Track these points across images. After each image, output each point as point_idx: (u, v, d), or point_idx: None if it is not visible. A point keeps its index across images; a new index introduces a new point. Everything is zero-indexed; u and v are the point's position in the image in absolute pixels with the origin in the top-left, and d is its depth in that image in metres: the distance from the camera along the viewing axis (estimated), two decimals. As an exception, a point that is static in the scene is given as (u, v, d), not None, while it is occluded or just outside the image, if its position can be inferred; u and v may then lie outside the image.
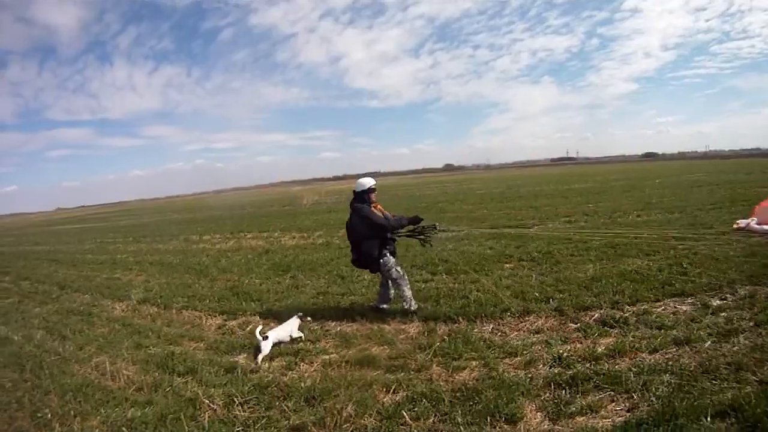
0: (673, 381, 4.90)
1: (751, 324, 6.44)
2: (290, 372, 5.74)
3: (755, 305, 7.10)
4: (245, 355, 6.36)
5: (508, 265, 10.23)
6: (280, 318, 7.45)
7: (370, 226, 7.41)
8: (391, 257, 7.64)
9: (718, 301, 7.41)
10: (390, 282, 7.65)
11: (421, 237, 8.02)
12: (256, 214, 31.07)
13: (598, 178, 30.17)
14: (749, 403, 4.31)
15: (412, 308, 7.51)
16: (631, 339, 6.00)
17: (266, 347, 6.21)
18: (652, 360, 5.43)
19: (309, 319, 7.17)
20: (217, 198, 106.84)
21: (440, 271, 9.85)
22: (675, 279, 8.42)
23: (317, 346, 6.39)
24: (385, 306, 7.84)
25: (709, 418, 4.20)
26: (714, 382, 4.88)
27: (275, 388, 5.36)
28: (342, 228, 12.25)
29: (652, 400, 4.56)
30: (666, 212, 17.63)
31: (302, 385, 5.28)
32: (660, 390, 4.73)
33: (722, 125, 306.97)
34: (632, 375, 5.02)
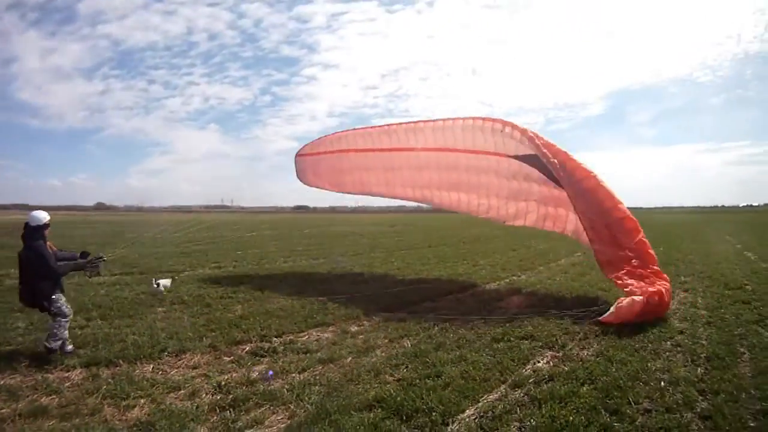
0: (322, 390, 6.24)
1: (386, 341, 8.46)
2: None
3: (389, 328, 9.20)
4: None
5: (160, 309, 10.69)
6: None
7: (45, 269, 7.38)
8: (62, 295, 7.68)
9: (356, 327, 9.37)
10: (53, 318, 7.46)
11: (89, 269, 8.18)
12: None
13: (250, 226, 32.33)
14: (390, 395, 5.95)
15: (67, 349, 7.52)
16: (281, 363, 7.24)
17: None
18: (302, 378, 6.72)
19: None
20: None
21: (95, 316, 9.83)
22: (316, 313, 10.17)
23: None
24: (71, 348, 7.62)
25: (359, 411, 5.58)
26: (358, 386, 6.42)
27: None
28: None
29: (307, 407, 5.74)
30: (311, 258, 20.61)
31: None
32: (312, 398, 5.97)
33: None
34: (286, 391, 6.19)
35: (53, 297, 7.49)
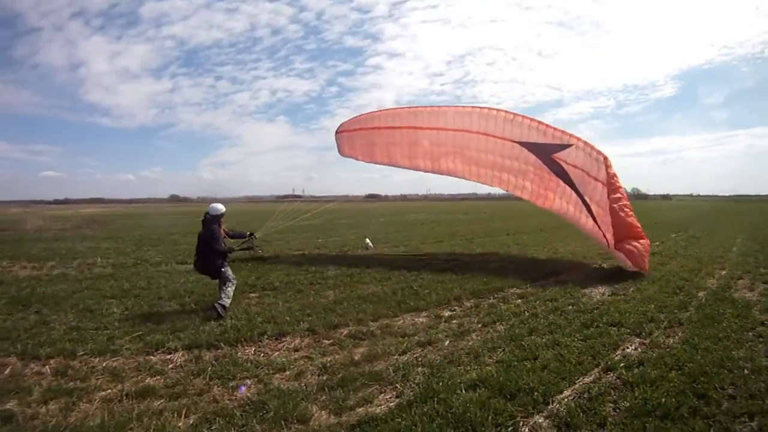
0: (425, 371, 6.10)
1: (479, 326, 8.26)
2: (72, 413, 5.25)
3: (480, 312, 9.05)
4: (17, 401, 5.53)
5: (253, 294, 10.75)
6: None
7: (216, 247, 9.43)
8: (229, 267, 9.63)
9: (448, 312, 9.16)
10: (224, 283, 9.29)
11: (250, 248, 10.85)
12: (-27, 239, 25.82)
13: (326, 215, 32.41)
14: (492, 376, 5.84)
15: (226, 304, 9.03)
16: (381, 346, 7.09)
17: None
18: (404, 359, 6.57)
19: None
20: None
21: (188, 302, 9.95)
22: (408, 298, 10.00)
23: (88, 383, 5.94)
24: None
25: (464, 391, 5.46)
26: (459, 367, 6.27)
27: (66, 433, 5.06)
28: (77, 258, 14.43)
29: (413, 387, 5.63)
30: (392, 246, 20.59)
31: (91, 423, 4.98)
32: (417, 378, 5.87)
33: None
34: (391, 371, 6.06)
35: (222, 269, 9.43)
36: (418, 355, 6.82)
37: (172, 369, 6.39)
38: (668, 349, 6.93)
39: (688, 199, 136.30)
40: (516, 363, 6.37)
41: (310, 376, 6.08)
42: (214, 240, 9.48)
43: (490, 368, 6.19)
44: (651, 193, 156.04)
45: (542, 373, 6.04)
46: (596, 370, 6.29)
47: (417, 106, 15.86)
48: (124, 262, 15.89)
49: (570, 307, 9.39)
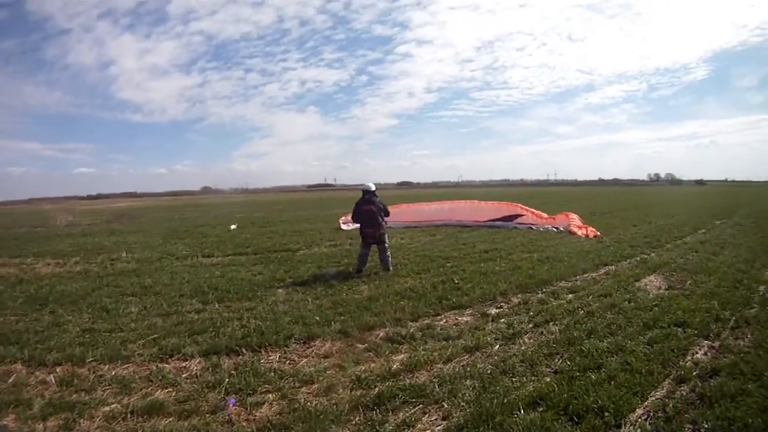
0: (476, 384, 5.21)
1: (531, 326, 7.33)
2: (71, 432, 4.61)
3: (530, 310, 8.15)
4: (14, 416, 4.89)
5: (281, 290, 10.00)
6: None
7: (385, 211, 11.58)
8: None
9: (495, 310, 8.27)
10: (383, 250, 11.56)
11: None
12: (4, 236, 25.57)
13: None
14: (553, 390, 4.92)
15: (390, 268, 11.48)
16: (423, 352, 6.22)
17: None
18: (450, 369, 5.70)
19: None
20: None
21: (212, 299, 9.21)
22: (450, 294, 9.12)
23: (93, 396, 5.25)
24: (363, 268, 11.42)
25: (522, 411, 4.57)
26: (513, 379, 5.39)
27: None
28: (102, 253, 13.95)
29: (462, 406, 4.75)
30: (429, 235, 19.81)
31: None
32: (467, 395, 4.98)
33: (474, 159, 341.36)
34: (436, 385, 5.19)
35: (386, 236, 11.61)
36: (465, 363, 5.94)
37: (186, 379, 5.64)
38: (741, 355, 6.01)
39: (723, 184, 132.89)
40: (578, 374, 5.48)
41: (341, 390, 5.24)
42: (385, 212, 11.58)
43: (549, 380, 5.33)
44: (685, 178, 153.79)
45: (609, 386, 5.15)
46: (668, 381, 5.41)
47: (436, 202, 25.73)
48: (149, 256, 15.26)
49: (627, 303, 8.43)
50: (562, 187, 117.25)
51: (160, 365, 6.07)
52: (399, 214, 22.34)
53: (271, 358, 6.29)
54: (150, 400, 5.08)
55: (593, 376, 5.38)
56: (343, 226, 21.82)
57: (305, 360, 6.20)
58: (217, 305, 8.88)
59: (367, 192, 11.58)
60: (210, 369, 5.90)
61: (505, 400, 4.80)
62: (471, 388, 5.15)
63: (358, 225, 12.14)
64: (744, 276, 10.33)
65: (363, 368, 5.83)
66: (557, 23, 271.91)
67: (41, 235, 25.25)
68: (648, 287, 9.71)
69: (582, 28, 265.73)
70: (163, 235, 21.77)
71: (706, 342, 6.56)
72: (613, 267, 11.91)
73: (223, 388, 5.30)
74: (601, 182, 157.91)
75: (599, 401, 4.76)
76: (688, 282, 9.87)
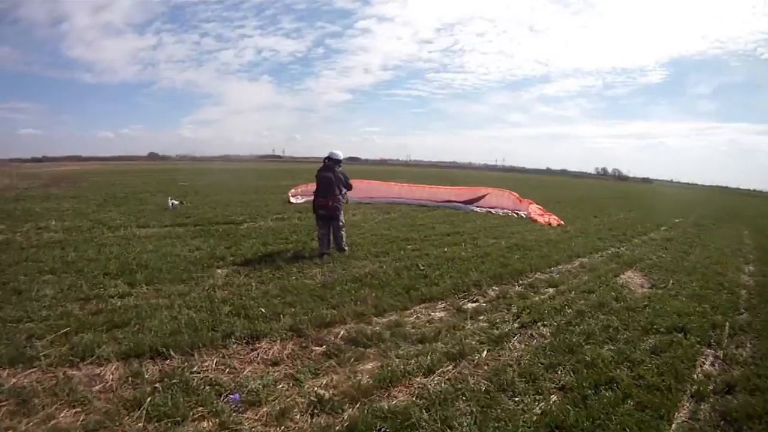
0: (473, 409, 4.16)
1: (517, 326, 6.37)
2: None
3: (511, 305, 7.20)
4: None
5: (220, 271, 8.66)
6: None
7: (345, 184, 10.41)
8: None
9: (471, 304, 7.28)
10: (337, 227, 10.30)
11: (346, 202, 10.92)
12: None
13: (306, 175, 29.72)
14: (566, 415, 4.07)
15: (346, 248, 10.36)
16: (397, 360, 5.09)
17: None
18: (434, 384, 4.61)
19: None
20: None
21: (140, 280, 7.73)
22: (417, 283, 8.07)
23: None
24: (327, 251, 10.06)
25: None
26: (515, 399, 4.42)
27: None
28: (30, 220, 11.72)
29: None
30: (383, 213, 18.37)
31: None
32: (464, 426, 3.90)
33: (425, 140, 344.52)
34: (423, 412, 4.06)
35: (341, 213, 10.35)
36: (451, 376, 4.85)
37: (99, 394, 4.27)
38: (751, 367, 5.52)
39: (668, 184, 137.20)
40: (589, 391, 4.56)
41: (299, 416, 4.02)
42: (345, 184, 10.42)
43: (557, 400, 4.42)
44: (631, 175, 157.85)
45: (628, 406, 4.34)
46: (686, 398, 4.73)
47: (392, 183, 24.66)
48: (79, 225, 13.32)
49: (615, 302, 7.72)
50: (511, 173, 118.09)
51: (69, 372, 4.68)
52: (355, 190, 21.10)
53: (207, 364, 4.94)
54: (52, 426, 3.80)
55: (607, 394, 4.52)
56: (293, 199, 20.57)
57: (249, 368, 4.92)
58: (145, 288, 7.45)
59: (330, 159, 10.37)
60: (129, 379, 4.54)
61: (511, 428, 3.86)
62: (467, 414, 4.09)
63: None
64: (723, 279, 10.02)
65: (324, 381, 4.64)
66: (520, 13, 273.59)
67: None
68: (630, 285, 9.12)
69: (544, 20, 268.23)
70: (99, 202, 19.74)
71: (709, 351, 6.04)
72: (587, 259, 11.29)
73: (143, 411, 3.99)
74: (549, 171, 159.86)
75: (626, 429, 3.95)
76: (671, 281, 9.38)
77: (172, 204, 17.73)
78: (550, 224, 17.14)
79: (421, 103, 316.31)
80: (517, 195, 21.06)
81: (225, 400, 4.19)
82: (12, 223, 13.57)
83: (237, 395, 4.24)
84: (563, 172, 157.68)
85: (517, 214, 19.15)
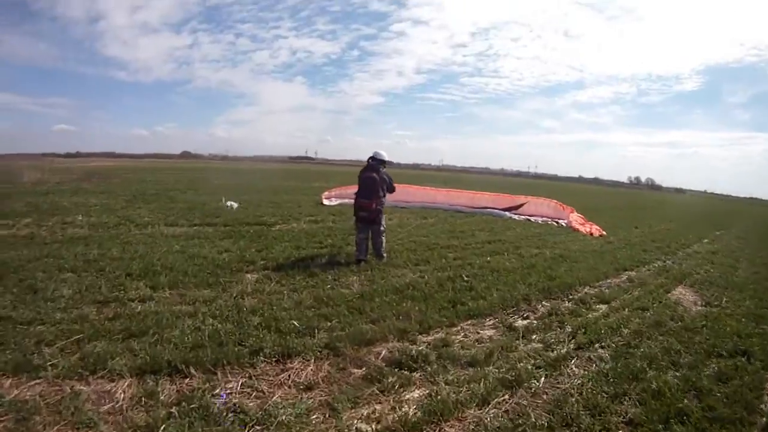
0: None
1: (573, 347, 5.73)
2: None
3: (564, 323, 6.56)
4: None
5: (250, 276, 8.07)
6: None
7: (389, 187, 9.77)
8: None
9: (522, 321, 6.62)
10: (377, 233, 9.67)
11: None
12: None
13: (339, 177, 28.92)
14: None
15: (385, 255, 9.70)
16: (446, 388, 4.43)
17: None
18: (490, 419, 3.97)
19: None
20: None
21: (163, 283, 7.17)
22: (463, 296, 7.39)
23: None
24: (365, 258, 9.42)
25: None
26: None
27: None
28: (57, 214, 11.38)
29: None
30: (420, 218, 18.11)
31: None
32: None
33: (457, 144, 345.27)
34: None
35: (382, 216, 9.78)
36: (507, 407, 4.20)
37: (107, 415, 3.72)
38: None
39: (702, 195, 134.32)
40: (660, 426, 4.01)
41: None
42: (389, 186, 9.80)
43: None
44: (665, 185, 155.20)
45: None
46: None
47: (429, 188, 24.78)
48: (106, 221, 13.04)
49: (672, 322, 7.04)
50: (543, 181, 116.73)
51: (77, 386, 4.13)
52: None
53: (231, 385, 4.33)
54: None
55: (679, 430, 3.96)
56: (326, 201, 19.84)
57: (279, 392, 4.28)
58: (168, 292, 6.90)
59: (374, 159, 9.80)
60: (142, 400, 3.97)
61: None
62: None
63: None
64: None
65: (365, 413, 3.99)
66: (555, 17, 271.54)
67: (2, 192, 22.90)
68: (683, 302, 8.47)
69: (580, 26, 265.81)
70: (129, 198, 19.46)
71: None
72: (634, 273, 10.57)
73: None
74: (581, 180, 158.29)
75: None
76: (724, 299, 8.74)
77: (230, 205, 16.99)
78: (591, 234, 16.51)
79: (453, 107, 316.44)
80: (558, 202, 20.75)
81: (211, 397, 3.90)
82: (38, 216, 13.34)
83: (224, 395, 3.95)
84: (595, 181, 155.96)
85: (557, 222, 18.63)
